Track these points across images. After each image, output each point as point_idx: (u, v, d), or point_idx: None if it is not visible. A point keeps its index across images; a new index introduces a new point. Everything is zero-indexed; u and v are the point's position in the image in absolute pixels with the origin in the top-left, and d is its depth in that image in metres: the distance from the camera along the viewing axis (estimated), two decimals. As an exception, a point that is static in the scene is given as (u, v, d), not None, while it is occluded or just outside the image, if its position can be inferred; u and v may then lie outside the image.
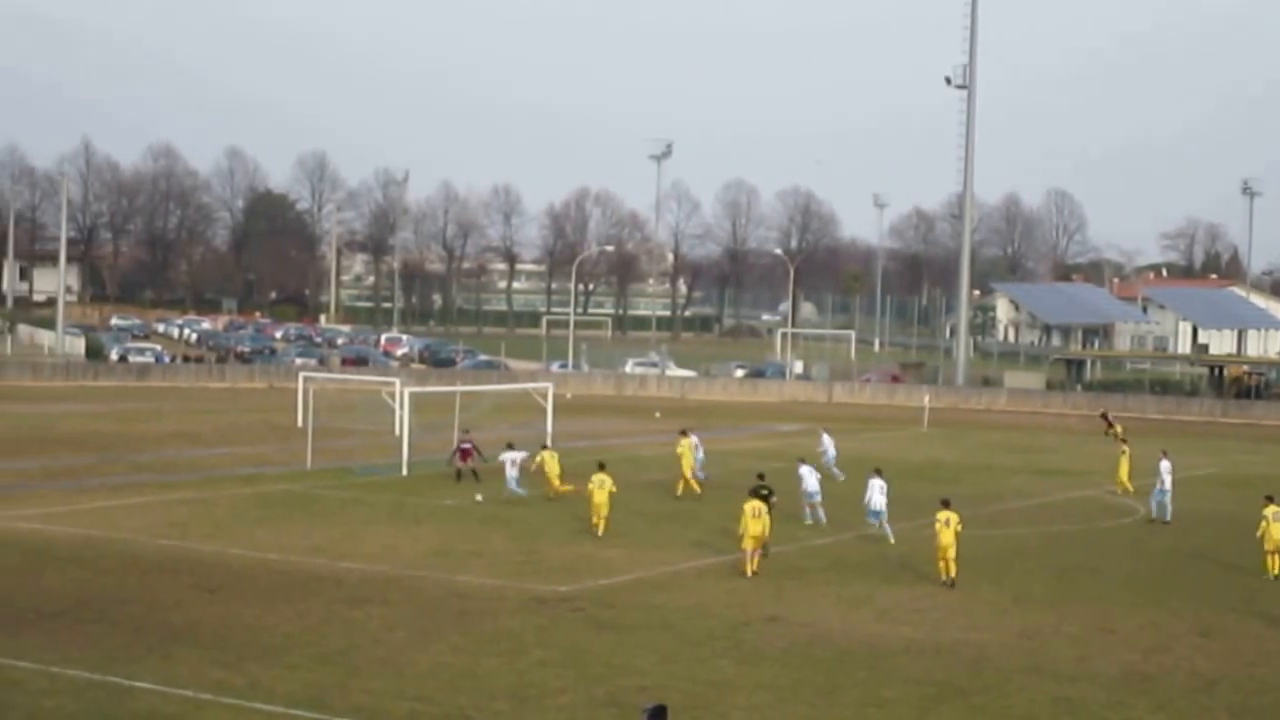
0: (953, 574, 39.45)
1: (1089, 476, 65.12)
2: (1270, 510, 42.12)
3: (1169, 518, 51.80)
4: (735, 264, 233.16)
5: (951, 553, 39.46)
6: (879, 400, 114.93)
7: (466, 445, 57.51)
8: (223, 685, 27.25)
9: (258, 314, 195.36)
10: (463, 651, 30.43)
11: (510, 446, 53.99)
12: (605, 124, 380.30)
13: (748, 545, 39.72)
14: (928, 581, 39.57)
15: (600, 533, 46.14)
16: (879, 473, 47.75)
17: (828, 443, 62.96)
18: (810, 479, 49.38)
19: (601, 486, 47.10)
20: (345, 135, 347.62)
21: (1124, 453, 60.17)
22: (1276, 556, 41.77)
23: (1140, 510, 54.82)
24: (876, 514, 46.48)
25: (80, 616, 32.56)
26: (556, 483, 53.23)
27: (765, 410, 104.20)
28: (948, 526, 39.50)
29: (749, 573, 39.41)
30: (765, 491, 43.37)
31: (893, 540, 45.45)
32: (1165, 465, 52.46)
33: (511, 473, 52.95)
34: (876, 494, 46.57)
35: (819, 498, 49.17)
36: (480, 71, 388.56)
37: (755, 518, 39.72)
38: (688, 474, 55.69)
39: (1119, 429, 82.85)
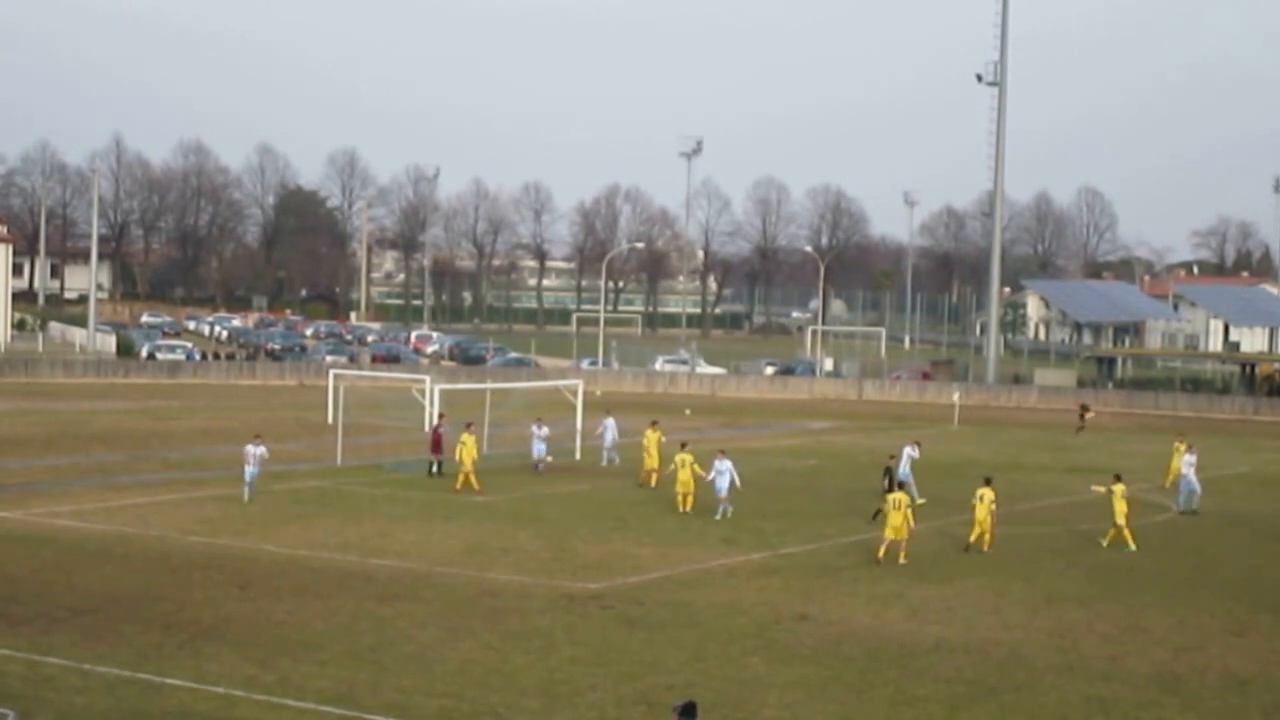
0: (971, 539, 43.69)
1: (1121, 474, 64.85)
2: (1119, 488, 45.69)
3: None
4: (765, 261, 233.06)
5: (981, 526, 43.63)
6: (909, 398, 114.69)
7: (441, 429, 58.04)
8: (254, 682, 27.31)
9: (288, 311, 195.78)
10: (493, 649, 30.45)
11: (258, 438, 51.68)
12: (636, 121, 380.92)
13: (887, 534, 41.66)
14: (959, 579, 39.52)
15: (684, 509, 49.51)
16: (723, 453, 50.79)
17: (609, 424, 64.75)
18: (725, 475, 49.80)
19: (684, 466, 50.32)
20: (376, 132, 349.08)
21: (1178, 450, 60.56)
22: (1126, 531, 45.43)
23: (1172, 508, 54.69)
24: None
25: (112, 613, 32.65)
26: None
27: (795, 408, 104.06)
28: (981, 502, 43.72)
29: (879, 557, 41.42)
30: (888, 470, 49.92)
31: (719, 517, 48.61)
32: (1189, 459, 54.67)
33: (252, 468, 50.25)
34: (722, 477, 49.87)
35: (727, 492, 49.61)
36: (510, 69, 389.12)
37: (895, 509, 41.72)
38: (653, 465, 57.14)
39: (1085, 420, 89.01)
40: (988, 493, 43.98)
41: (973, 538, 43.85)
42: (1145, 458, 72.74)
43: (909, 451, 54.97)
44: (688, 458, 50.59)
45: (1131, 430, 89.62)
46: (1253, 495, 59.34)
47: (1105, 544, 45.28)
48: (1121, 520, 45.40)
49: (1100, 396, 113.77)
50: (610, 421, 64.80)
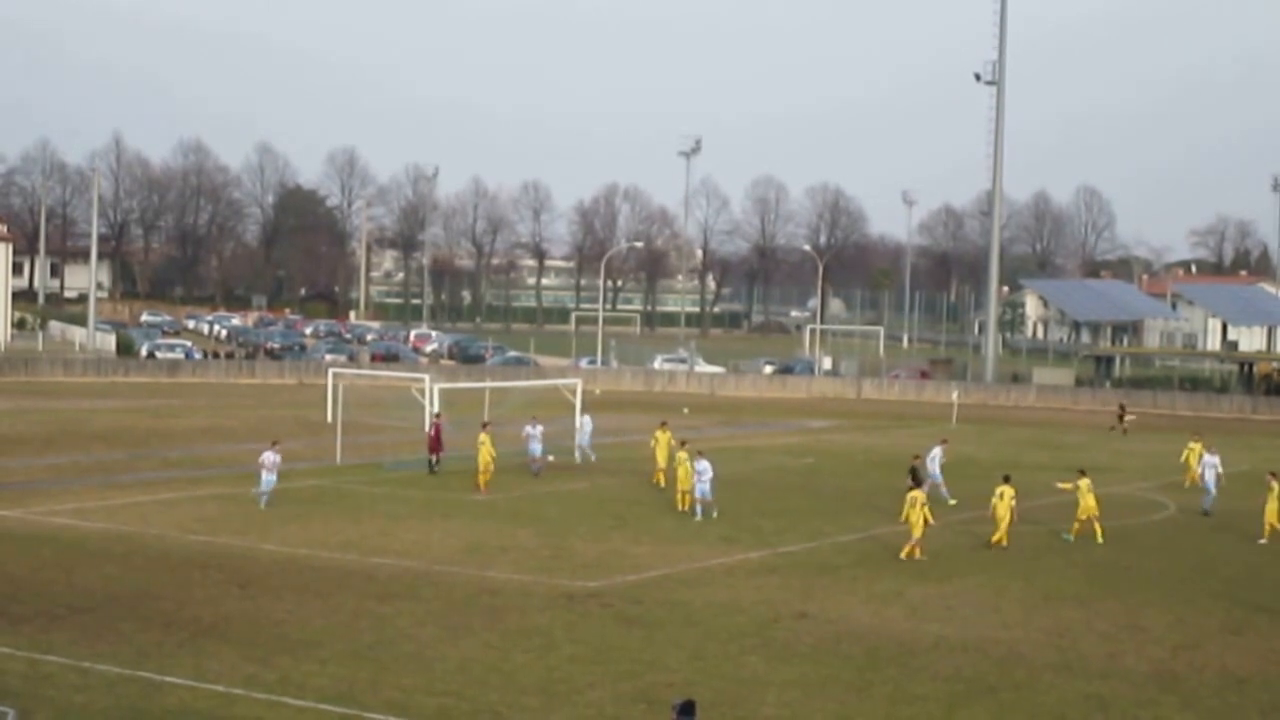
0: (993, 539, 44.31)
1: (1118, 473, 64.98)
2: (1084, 482, 46.63)
3: None
4: (764, 260, 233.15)
5: (1003, 523, 44.38)
6: (908, 396, 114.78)
7: (438, 425, 58.34)
8: (254, 680, 27.37)
9: (288, 310, 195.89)
10: (493, 647, 30.51)
11: (275, 444, 50.17)
12: (634, 120, 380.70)
13: (914, 533, 42.36)
14: (958, 577, 39.60)
15: (683, 507, 49.30)
16: (701, 454, 49.83)
17: (585, 422, 64.22)
18: (705, 477, 48.88)
19: (682, 464, 50.29)
20: (375, 131, 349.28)
21: (1192, 450, 60.77)
22: (1078, 524, 46.39)
23: (1170, 506, 54.77)
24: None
25: (112, 612, 32.72)
26: None
27: (794, 406, 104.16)
28: (1001, 499, 44.54)
29: (917, 556, 41.91)
30: (913, 469, 49.56)
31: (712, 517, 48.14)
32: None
33: (269, 476, 48.43)
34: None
35: (710, 494, 48.94)
36: (509, 69, 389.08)
37: (911, 506, 42.46)
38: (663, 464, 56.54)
39: (1124, 425, 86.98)
40: (1008, 490, 44.72)
41: (995, 536, 44.52)
42: (1144, 457, 72.90)
43: (937, 451, 54.85)
44: (684, 455, 50.69)
45: (1129, 429, 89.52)
46: (1251, 494, 59.14)
47: (1100, 540, 45.46)
48: (1084, 515, 46.11)
49: (1098, 395, 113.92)
50: (585, 419, 64.42)
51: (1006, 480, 45.38)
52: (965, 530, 46.75)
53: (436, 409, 62.61)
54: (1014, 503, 44.67)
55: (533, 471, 58.37)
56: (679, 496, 50.08)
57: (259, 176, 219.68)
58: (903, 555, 41.68)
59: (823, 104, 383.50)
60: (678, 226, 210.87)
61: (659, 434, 57.66)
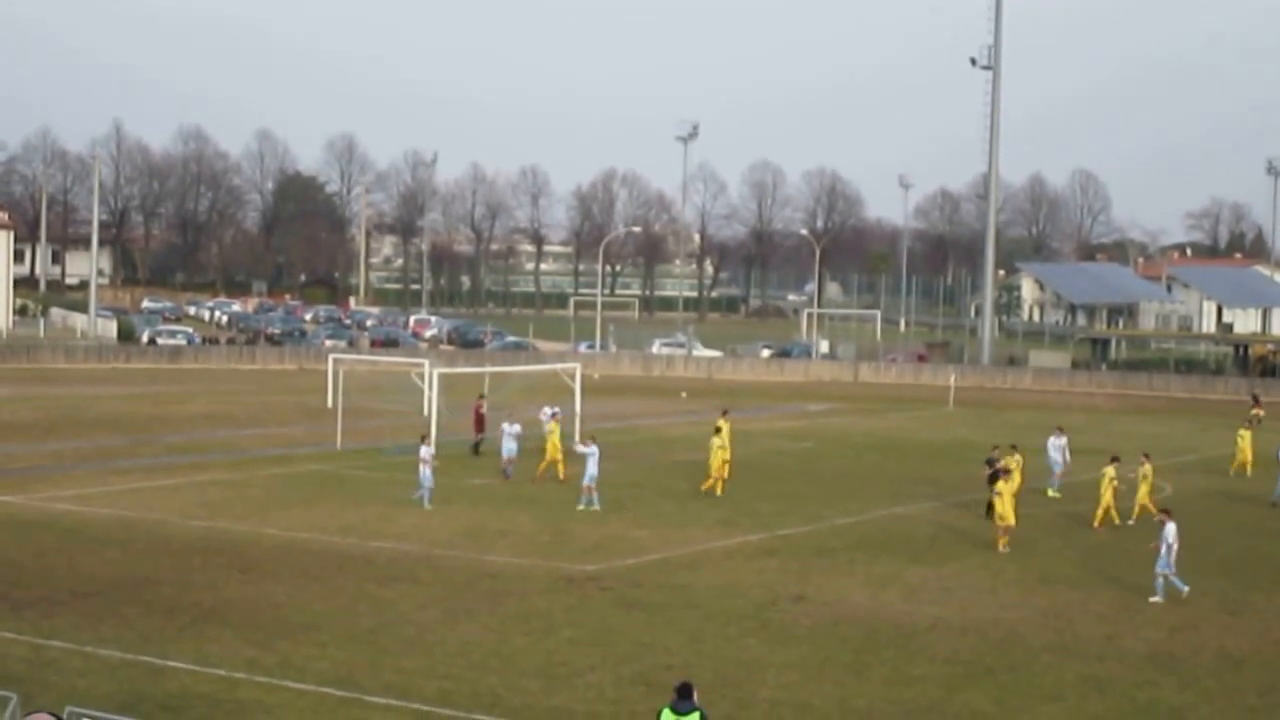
0: (1098, 523, 45.51)
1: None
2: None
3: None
4: (761, 244, 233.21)
5: (1104, 502, 45.58)
6: (905, 380, 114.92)
7: (482, 409, 59.06)
8: (255, 664, 27.51)
9: (288, 296, 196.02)
10: (492, 630, 30.65)
11: (424, 439, 48.90)
12: (632, 105, 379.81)
13: (999, 524, 42.11)
14: (955, 560, 39.76)
15: (710, 491, 49.63)
16: (593, 439, 48.97)
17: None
18: (592, 461, 47.27)
19: (715, 449, 50.72)
20: (374, 117, 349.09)
21: (1242, 436, 60.51)
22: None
23: (1165, 488, 54.88)
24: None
25: (114, 597, 32.84)
26: None
27: (792, 390, 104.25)
28: (1105, 479, 45.69)
29: (999, 549, 41.34)
30: (992, 460, 47.89)
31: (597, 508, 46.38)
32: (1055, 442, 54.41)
33: (425, 470, 46.81)
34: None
35: (595, 480, 47.21)
36: (507, 54, 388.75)
37: (996, 496, 42.52)
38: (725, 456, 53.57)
39: (1259, 412, 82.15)
40: (1109, 470, 45.86)
41: (1102, 522, 45.60)
42: (1139, 439, 72.93)
43: (1055, 441, 54.27)
44: (719, 442, 51.16)
45: (1125, 411, 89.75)
46: (1246, 475, 59.48)
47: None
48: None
49: (1094, 378, 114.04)
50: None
51: (1113, 461, 46.37)
52: (967, 515, 46.77)
53: (481, 392, 62.43)
54: (1115, 484, 45.61)
55: (505, 475, 53.45)
56: (711, 481, 50.31)
57: (259, 163, 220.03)
58: (1001, 548, 41.13)
59: (819, 88, 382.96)
60: (675, 211, 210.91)
61: (721, 422, 54.56)
